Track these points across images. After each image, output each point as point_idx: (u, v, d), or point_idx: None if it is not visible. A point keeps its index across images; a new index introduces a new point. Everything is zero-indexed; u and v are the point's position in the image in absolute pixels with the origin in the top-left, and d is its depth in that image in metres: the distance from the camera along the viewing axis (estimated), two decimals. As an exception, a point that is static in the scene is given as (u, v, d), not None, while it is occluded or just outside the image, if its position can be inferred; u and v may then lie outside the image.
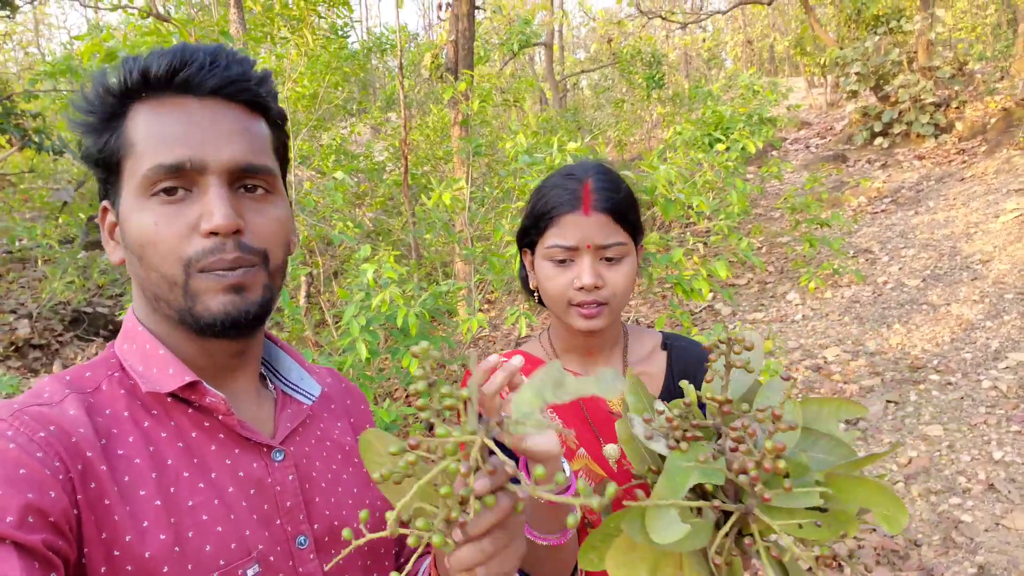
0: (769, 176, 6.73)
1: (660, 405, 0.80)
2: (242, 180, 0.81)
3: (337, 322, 4.80)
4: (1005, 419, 4.09)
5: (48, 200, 8.99)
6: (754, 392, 0.79)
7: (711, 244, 6.02)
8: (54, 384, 0.77)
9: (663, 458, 0.73)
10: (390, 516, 0.60)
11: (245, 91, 0.82)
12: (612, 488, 0.58)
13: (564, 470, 0.99)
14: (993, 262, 6.33)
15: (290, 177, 0.95)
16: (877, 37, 10.99)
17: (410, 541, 0.60)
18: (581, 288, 1.17)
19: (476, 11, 7.13)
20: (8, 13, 6.91)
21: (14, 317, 6.25)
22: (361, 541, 0.59)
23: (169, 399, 0.80)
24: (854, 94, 11.32)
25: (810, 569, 3.12)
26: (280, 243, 0.84)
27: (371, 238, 7.32)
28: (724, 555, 0.70)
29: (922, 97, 10.23)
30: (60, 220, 8.44)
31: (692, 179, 5.06)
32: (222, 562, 0.75)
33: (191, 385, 0.79)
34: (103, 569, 0.69)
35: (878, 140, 10.75)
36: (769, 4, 13.35)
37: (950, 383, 4.65)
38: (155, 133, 0.77)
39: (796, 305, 6.55)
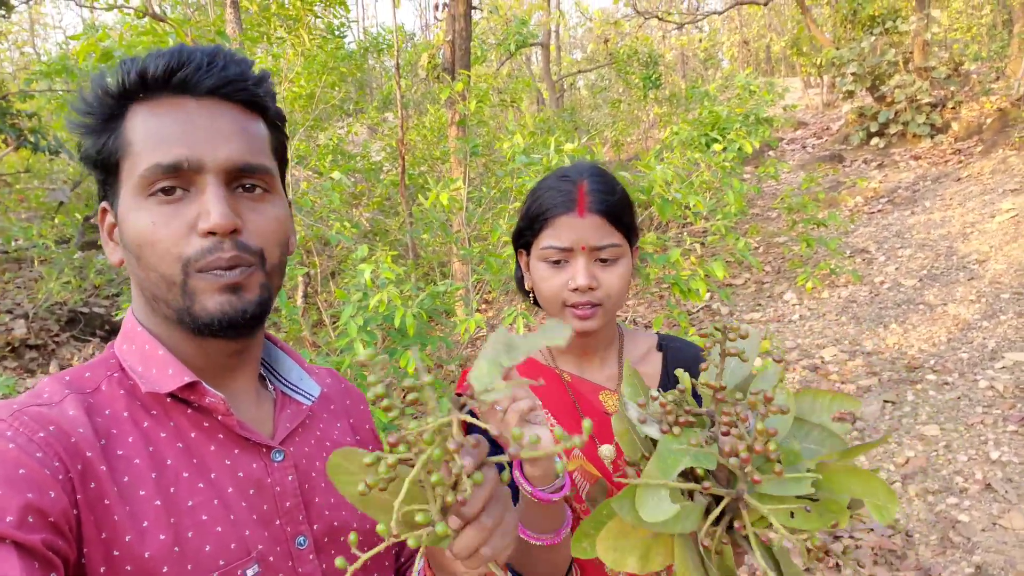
0: (766, 176, 6.74)
1: (655, 392, 0.81)
2: (240, 180, 0.81)
3: (334, 322, 4.80)
4: (1002, 419, 4.10)
5: (44, 200, 8.97)
6: (748, 383, 0.80)
7: (708, 244, 6.03)
8: (54, 384, 0.77)
9: (656, 444, 0.73)
10: (382, 527, 0.60)
11: (243, 91, 0.82)
12: (588, 424, 0.58)
13: (559, 469, 1.00)
14: (989, 262, 6.34)
15: (287, 177, 0.95)
16: (873, 37, 11.01)
17: (411, 543, 0.60)
18: (575, 289, 1.18)
19: (473, 11, 7.13)
20: (3, 12, 6.90)
21: (10, 317, 6.23)
22: (367, 556, 0.59)
23: (168, 399, 0.80)
24: (850, 94, 11.34)
25: (808, 569, 3.13)
26: (278, 243, 0.84)
27: (368, 238, 7.31)
28: (715, 542, 0.71)
29: (918, 97, 10.26)
30: (56, 220, 8.42)
31: (689, 179, 5.07)
32: (222, 562, 0.75)
33: (190, 385, 0.79)
34: (102, 569, 0.69)
35: (874, 140, 10.77)
36: (765, 4, 13.38)
37: (947, 383, 4.66)
38: (153, 133, 0.77)
39: (793, 305, 6.56)
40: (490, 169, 7.79)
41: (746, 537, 0.73)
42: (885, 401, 4.57)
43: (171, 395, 0.80)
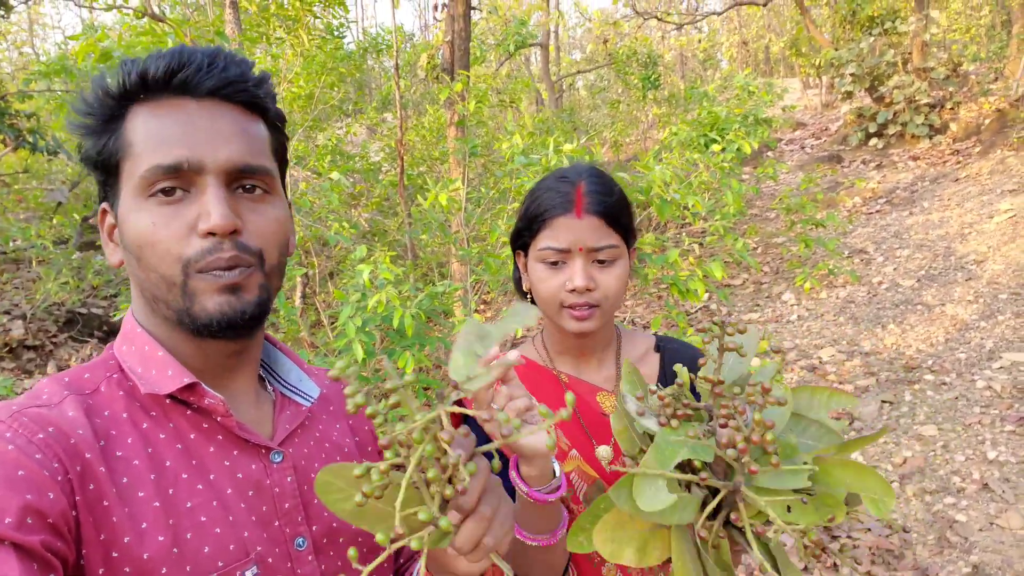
0: (764, 177, 6.75)
1: (653, 387, 0.81)
2: (240, 180, 0.81)
3: (333, 323, 4.80)
4: (999, 419, 4.10)
5: (42, 201, 8.96)
6: (746, 379, 0.80)
7: (707, 245, 6.03)
8: (53, 385, 0.77)
9: (653, 439, 0.73)
10: (381, 537, 0.61)
11: (243, 92, 0.82)
12: (571, 397, 0.59)
13: (555, 469, 1.00)
14: (987, 262, 6.35)
15: (286, 178, 0.95)
16: (872, 38, 11.02)
17: (414, 544, 0.60)
18: (573, 290, 1.18)
19: (472, 12, 7.14)
20: (2, 13, 6.89)
21: (8, 318, 6.23)
22: (370, 567, 0.60)
23: (168, 400, 0.80)
24: (849, 95, 11.35)
25: (806, 569, 3.13)
26: (277, 243, 0.84)
27: (367, 239, 7.31)
28: (712, 535, 0.71)
29: (917, 98, 10.27)
30: (54, 221, 8.41)
31: (688, 180, 5.07)
32: (220, 563, 0.75)
33: (190, 387, 0.80)
34: (101, 570, 0.69)
35: (873, 141, 10.78)
36: (764, 5, 13.38)
37: (945, 383, 4.67)
38: (153, 134, 0.78)
39: (791, 305, 6.57)
40: (489, 170, 7.79)
41: (743, 530, 0.73)
42: (883, 401, 4.58)
43: (170, 396, 0.80)
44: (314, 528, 0.85)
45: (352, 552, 0.60)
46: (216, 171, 0.78)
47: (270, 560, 0.79)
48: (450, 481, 0.65)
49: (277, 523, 0.82)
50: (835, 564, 3.16)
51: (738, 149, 5.59)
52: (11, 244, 7.59)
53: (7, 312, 6.35)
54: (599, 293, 1.19)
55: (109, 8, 6.10)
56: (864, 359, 5.24)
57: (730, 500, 0.69)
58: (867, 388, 4.79)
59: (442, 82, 6.56)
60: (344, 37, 9.08)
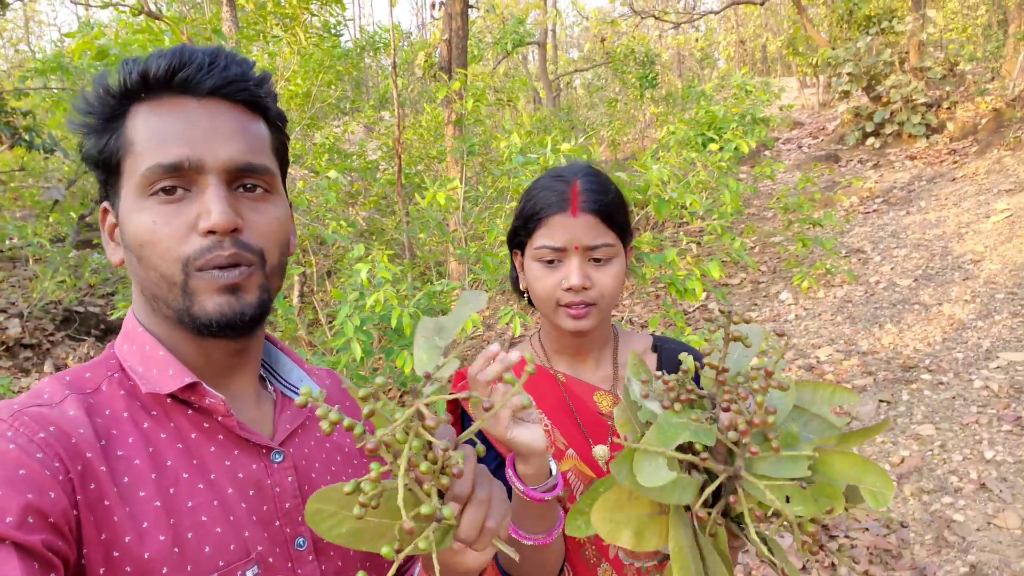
0: (762, 176, 6.76)
1: (658, 372, 0.81)
2: (240, 180, 0.81)
3: (330, 322, 4.79)
4: (996, 418, 4.11)
5: (39, 199, 8.93)
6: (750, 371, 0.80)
7: (704, 244, 6.04)
8: (54, 385, 0.77)
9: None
10: (387, 550, 0.61)
11: (244, 91, 0.82)
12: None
13: (551, 468, 1.00)
14: (984, 262, 6.37)
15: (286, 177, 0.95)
16: (869, 37, 11.03)
17: (421, 544, 0.60)
18: (569, 289, 1.18)
19: (470, 10, 7.13)
20: (-1, 10, 6.86)
21: (4, 316, 6.21)
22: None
23: (169, 400, 0.80)
24: (846, 94, 11.37)
25: (804, 568, 3.13)
26: (278, 243, 0.84)
27: (364, 237, 7.30)
28: (710, 522, 0.71)
29: (914, 97, 10.28)
30: (51, 219, 8.38)
31: (685, 179, 5.07)
32: (221, 563, 0.75)
33: (191, 386, 0.79)
34: (102, 570, 0.69)
35: (870, 140, 10.80)
36: (762, 4, 13.39)
37: (942, 383, 4.68)
38: (154, 133, 0.78)
39: (789, 305, 6.58)
40: (487, 168, 7.79)
41: (741, 524, 0.73)
42: (880, 401, 4.59)
43: (171, 396, 0.80)
44: None
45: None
46: (217, 170, 0.78)
47: (271, 560, 0.79)
48: (443, 471, 0.65)
49: (278, 523, 0.82)
50: (833, 563, 3.16)
51: (736, 148, 5.60)
52: (7, 242, 7.56)
53: (4, 311, 6.33)
54: (595, 291, 1.19)
55: (105, 5, 6.08)
56: (861, 358, 5.25)
57: (730, 487, 0.69)
58: (864, 388, 4.80)
59: (440, 80, 6.55)
60: (341, 35, 9.07)
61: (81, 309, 6.79)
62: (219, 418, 0.81)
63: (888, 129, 10.58)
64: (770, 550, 0.74)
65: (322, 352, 4.17)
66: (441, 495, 0.69)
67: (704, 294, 5.57)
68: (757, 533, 0.71)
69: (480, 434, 1.21)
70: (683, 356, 0.84)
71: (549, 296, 1.20)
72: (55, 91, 6.79)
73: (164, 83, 0.79)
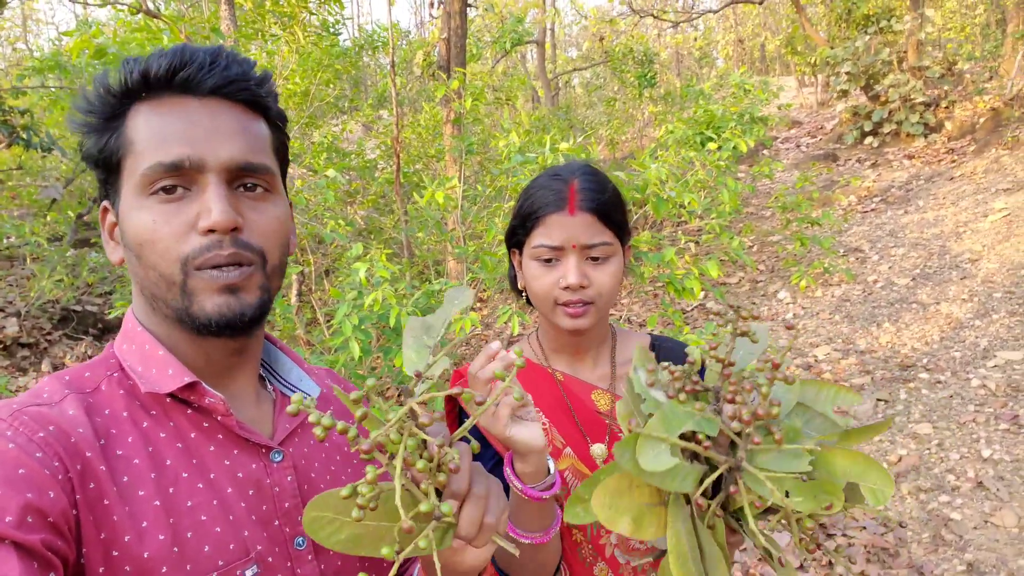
0: (760, 175, 6.76)
1: (665, 363, 0.82)
2: (241, 179, 0.81)
3: (329, 321, 4.79)
4: (994, 417, 4.12)
5: (36, 197, 8.91)
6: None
7: (703, 243, 6.04)
8: (53, 384, 0.77)
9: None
10: (387, 550, 0.61)
11: (244, 91, 0.82)
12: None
13: (549, 466, 1.00)
14: (982, 261, 6.38)
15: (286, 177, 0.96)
16: (867, 37, 11.04)
17: (422, 543, 0.60)
18: (567, 287, 1.18)
19: (468, 8, 7.13)
20: (-4, 9, 6.85)
21: (2, 316, 6.20)
22: None
23: (168, 399, 0.80)
24: (844, 93, 11.37)
25: (801, 567, 3.13)
26: (279, 243, 0.84)
27: (363, 236, 7.30)
28: (708, 514, 0.71)
29: (912, 97, 10.29)
30: (49, 217, 8.36)
31: (684, 178, 5.08)
32: (220, 562, 0.75)
33: (190, 386, 0.80)
34: (101, 569, 0.69)
35: (868, 139, 10.81)
36: (760, 3, 13.39)
37: (939, 381, 4.69)
38: (155, 132, 0.78)
39: (787, 304, 6.58)
40: (485, 167, 7.79)
41: (739, 519, 0.74)
42: (878, 399, 4.59)
43: (171, 395, 0.80)
44: None
45: None
46: (217, 169, 0.78)
47: (270, 559, 0.79)
48: (439, 468, 0.65)
49: (277, 522, 0.82)
50: (830, 562, 3.17)
51: (734, 147, 5.60)
52: (5, 241, 7.55)
53: (1, 309, 6.32)
54: (593, 290, 1.19)
55: (104, 4, 6.07)
56: (859, 357, 5.26)
57: (730, 479, 0.70)
58: (862, 386, 4.81)
59: (438, 79, 6.55)
60: (340, 34, 9.06)
61: (79, 308, 6.78)
62: (218, 417, 0.81)
63: (886, 128, 10.59)
64: (767, 548, 0.74)
65: (320, 351, 4.17)
66: (439, 494, 0.70)
67: (702, 293, 5.57)
68: (756, 544, 0.71)
69: (476, 432, 1.21)
70: (690, 348, 0.84)
71: (547, 295, 1.21)
72: (53, 90, 6.79)
73: (165, 82, 0.79)
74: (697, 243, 6.51)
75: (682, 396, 0.72)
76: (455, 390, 0.68)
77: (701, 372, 0.96)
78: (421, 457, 0.64)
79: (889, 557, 3.18)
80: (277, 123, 0.89)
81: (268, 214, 0.83)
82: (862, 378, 4.91)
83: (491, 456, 1.22)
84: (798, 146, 12.64)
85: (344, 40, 10.39)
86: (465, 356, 5.84)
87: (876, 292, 6.37)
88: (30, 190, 9.01)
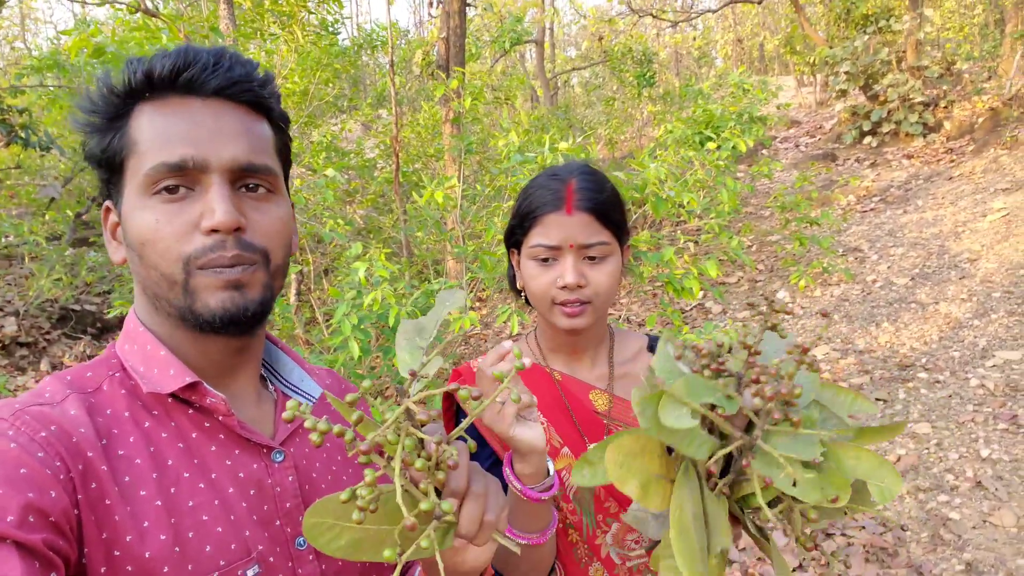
0: (759, 175, 6.77)
1: (694, 342, 0.82)
2: (244, 179, 0.81)
3: (327, 320, 4.79)
4: (992, 417, 4.13)
5: (35, 196, 8.90)
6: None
7: (702, 242, 6.05)
8: (55, 384, 0.77)
9: None
10: (389, 553, 0.61)
11: (248, 92, 0.82)
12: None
13: (549, 467, 1.00)
14: (981, 261, 6.38)
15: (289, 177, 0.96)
16: (866, 36, 11.05)
17: (424, 543, 0.60)
18: (564, 287, 1.18)
19: (467, 8, 7.13)
20: (-5, 7, 6.84)
21: (1, 315, 6.19)
22: None
23: (170, 400, 0.80)
24: (843, 93, 11.38)
25: (801, 566, 3.13)
26: (281, 243, 0.84)
27: (362, 236, 7.30)
28: (716, 491, 0.71)
29: (911, 96, 10.30)
30: (47, 217, 8.36)
31: (683, 177, 5.08)
32: (222, 562, 0.75)
33: (192, 386, 0.80)
34: (103, 569, 0.69)
35: (867, 139, 10.82)
36: (759, 3, 13.40)
37: (938, 381, 4.69)
38: (158, 132, 0.78)
39: (786, 303, 6.58)
40: (484, 167, 7.79)
41: (742, 503, 0.74)
42: (877, 399, 4.60)
43: (172, 395, 0.80)
44: None
45: None
46: (220, 169, 0.78)
47: (271, 559, 0.79)
48: (437, 466, 0.65)
49: (278, 522, 0.82)
50: (828, 562, 3.17)
51: (733, 147, 5.61)
52: (3, 240, 7.54)
53: (0, 309, 6.32)
54: (590, 290, 1.19)
55: (103, 3, 6.06)
56: (858, 357, 5.26)
57: (740, 461, 0.70)
58: (861, 386, 4.81)
59: (437, 79, 6.55)
60: (339, 33, 9.05)
61: (77, 307, 6.78)
62: (220, 418, 0.82)
63: (885, 128, 10.60)
64: (765, 538, 0.74)
65: (319, 351, 4.17)
66: (438, 494, 0.70)
67: (701, 293, 5.58)
68: (758, 519, 0.72)
69: (473, 430, 1.21)
70: (719, 334, 0.85)
71: (544, 294, 1.21)
72: (51, 89, 6.78)
73: (168, 83, 0.79)
74: (696, 243, 6.52)
75: (707, 373, 0.72)
76: (452, 386, 0.68)
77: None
78: (419, 456, 0.64)
79: (888, 557, 3.19)
80: (279, 124, 0.89)
81: (271, 214, 0.83)
82: (861, 378, 4.92)
83: (488, 455, 1.22)
84: (797, 146, 12.64)
85: (343, 39, 10.39)
86: (464, 356, 5.84)
87: (875, 292, 6.37)
88: (28, 189, 9.00)
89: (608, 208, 1.21)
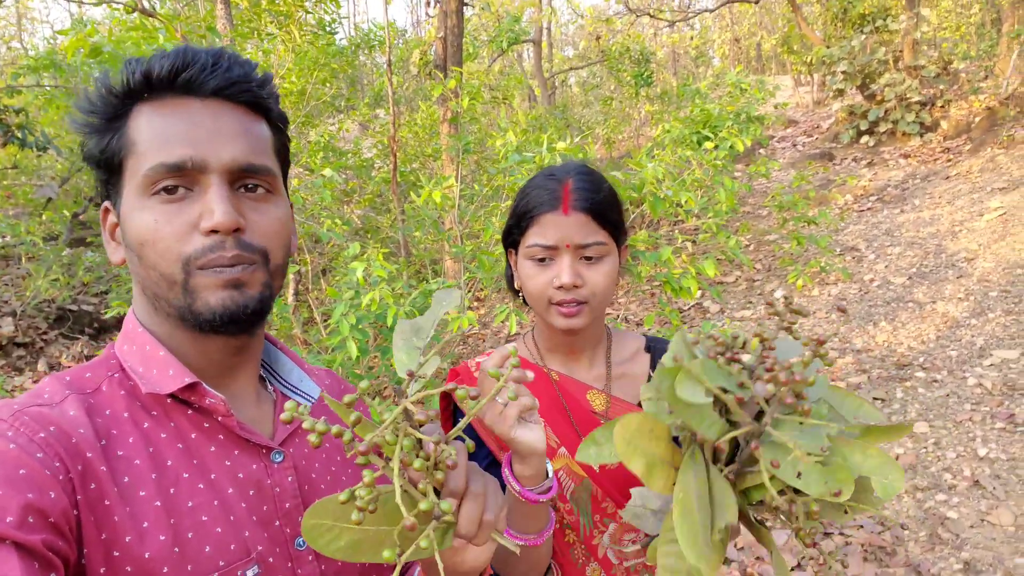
0: (757, 174, 6.77)
1: (713, 332, 0.83)
2: (243, 180, 0.81)
3: (325, 320, 4.79)
4: (990, 416, 4.13)
5: (32, 196, 8.88)
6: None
7: (699, 242, 6.05)
8: (54, 384, 0.77)
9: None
10: (388, 554, 0.61)
11: (246, 92, 0.82)
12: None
13: (548, 469, 1.00)
14: (978, 260, 6.39)
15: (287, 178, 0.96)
16: (863, 36, 11.07)
17: (423, 544, 0.60)
18: (560, 287, 1.18)
19: (465, 8, 7.13)
20: (-9, 7, 6.82)
21: (-2, 315, 6.18)
22: None
23: (169, 400, 0.80)
24: (840, 92, 11.40)
25: (799, 565, 3.14)
26: (281, 244, 0.84)
27: (360, 236, 7.30)
28: (724, 473, 0.72)
29: (908, 96, 10.32)
30: (44, 217, 8.34)
31: (681, 177, 5.08)
32: (221, 563, 0.75)
33: (191, 386, 0.80)
34: (102, 570, 0.69)
35: (864, 138, 10.83)
36: (756, 2, 13.42)
37: (936, 380, 4.70)
38: (157, 133, 0.78)
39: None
40: (482, 167, 7.79)
41: (746, 494, 0.74)
42: (875, 398, 4.60)
43: (171, 396, 0.80)
44: None
45: None
46: (219, 170, 0.78)
47: (271, 560, 0.80)
48: (436, 466, 0.65)
49: (278, 523, 0.82)
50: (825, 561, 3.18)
51: (731, 146, 5.61)
52: (0, 240, 7.53)
53: (-3, 309, 6.30)
54: (586, 290, 1.19)
55: (99, 3, 6.05)
56: (856, 356, 5.27)
57: (747, 450, 0.71)
58: (859, 385, 4.82)
59: (435, 78, 6.55)
60: (336, 33, 9.05)
61: (75, 307, 6.77)
62: (219, 418, 0.82)
63: (882, 127, 10.62)
64: (766, 528, 0.75)
65: (317, 350, 4.16)
66: (437, 494, 0.70)
67: (699, 292, 5.58)
68: (759, 513, 0.72)
69: (470, 430, 1.21)
70: (738, 328, 0.85)
71: (541, 294, 1.21)
72: (48, 89, 6.76)
73: (167, 83, 0.79)
74: (694, 242, 6.52)
75: (721, 360, 0.73)
76: (450, 386, 0.68)
77: None
78: (418, 456, 0.64)
79: (886, 556, 3.19)
80: (278, 124, 0.89)
81: (270, 215, 0.83)
82: (858, 377, 4.93)
83: (485, 455, 1.22)
84: (794, 145, 12.66)
85: (340, 39, 10.39)
86: (462, 355, 5.84)
87: (872, 291, 6.38)
88: (25, 189, 8.99)
89: (605, 208, 1.21)
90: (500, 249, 4.21)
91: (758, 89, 8.23)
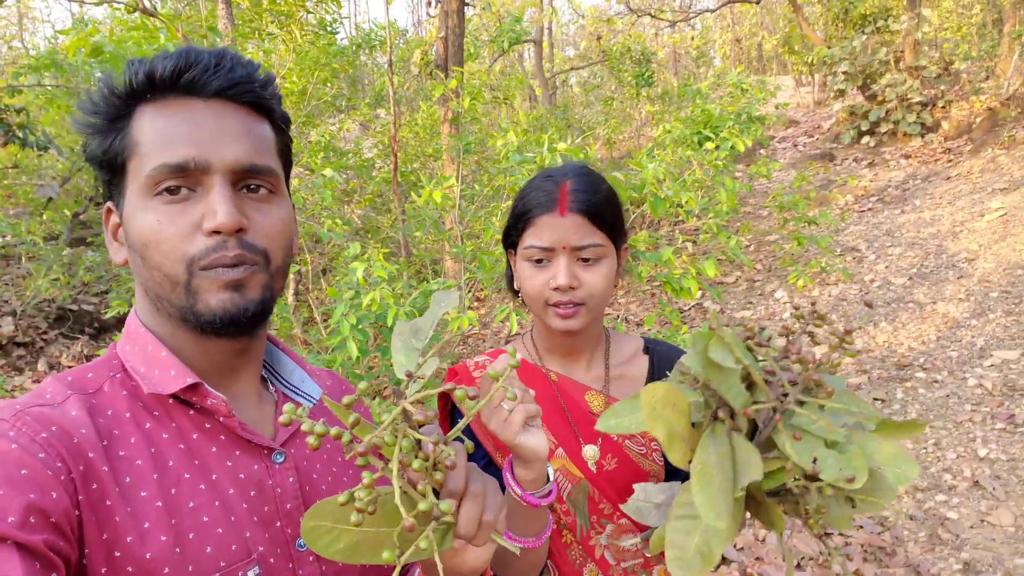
0: (757, 174, 6.77)
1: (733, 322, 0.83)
2: (245, 180, 0.81)
3: (325, 320, 4.79)
4: (990, 416, 4.13)
5: (32, 196, 8.89)
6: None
7: (700, 242, 6.05)
8: (56, 385, 0.77)
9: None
10: (388, 555, 0.61)
11: (249, 93, 0.82)
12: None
13: (549, 472, 1.00)
14: (978, 260, 6.39)
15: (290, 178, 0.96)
16: (864, 36, 11.06)
17: (423, 544, 0.60)
18: (557, 288, 1.18)
19: (466, 8, 7.13)
20: (-8, 7, 6.82)
21: (-2, 314, 6.18)
22: None
23: (171, 401, 0.80)
24: (841, 93, 11.40)
25: (799, 566, 3.14)
26: (282, 244, 0.84)
27: (360, 236, 7.30)
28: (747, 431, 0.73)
29: (909, 96, 10.32)
30: (45, 216, 8.34)
31: (681, 177, 5.08)
32: (222, 563, 0.75)
33: (193, 387, 0.80)
34: (104, 570, 0.69)
35: (865, 139, 10.83)
36: (757, 3, 13.42)
37: (936, 381, 4.70)
38: (160, 133, 0.78)
39: (784, 303, 6.59)
40: (483, 167, 7.79)
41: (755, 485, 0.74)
42: (875, 399, 4.60)
43: (173, 396, 0.80)
44: None
45: None
46: (222, 170, 0.78)
47: (272, 560, 0.80)
48: (435, 467, 0.66)
49: (279, 523, 0.82)
50: (826, 560, 3.18)
51: (731, 147, 5.61)
52: (1, 240, 7.54)
53: (-3, 308, 6.31)
54: (583, 291, 1.19)
55: (100, 2, 6.05)
56: (856, 356, 5.26)
57: (766, 430, 0.71)
58: (859, 386, 4.82)
59: (436, 78, 6.55)
60: (337, 33, 9.05)
61: (75, 307, 6.77)
62: (221, 419, 0.82)
63: (883, 128, 10.61)
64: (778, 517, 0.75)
65: (318, 351, 4.17)
66: (436, 495, 0.70)
67: (700, 292, 5.58)
68: (789, 466, 0.73)
69: (468, 431, 1.21)
70: (758, 327, 0.86)
71: (538, 295, 1.21)
72: (49, 88, 6.77)
73: (170, 84, 0.79)
74: (694, 242, 6.52)
75: (749, 343, 0.73)
76: (449, 386, 0.68)
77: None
78: (417, 457, 0.64)
79: (886, 556, 3.19)
80: (281, 125, 0.89)
81: (272, 215, 0.83)
82: (859, 377, 4.92)
83: (481, 456, 1.23)
84: (795, 145, 12.66)
85: (341, 39, 10.38)
86: (462, 355, 5.84)
87: (873, 291, 6.38)
88: (26, 189, 8.99)
89: (602, 209, 1.21)
90: (500, 249, 4.21)
91: (759, 89, 8.24)
